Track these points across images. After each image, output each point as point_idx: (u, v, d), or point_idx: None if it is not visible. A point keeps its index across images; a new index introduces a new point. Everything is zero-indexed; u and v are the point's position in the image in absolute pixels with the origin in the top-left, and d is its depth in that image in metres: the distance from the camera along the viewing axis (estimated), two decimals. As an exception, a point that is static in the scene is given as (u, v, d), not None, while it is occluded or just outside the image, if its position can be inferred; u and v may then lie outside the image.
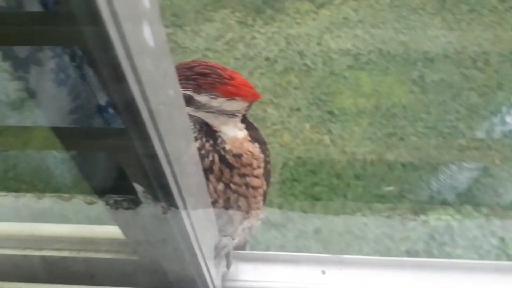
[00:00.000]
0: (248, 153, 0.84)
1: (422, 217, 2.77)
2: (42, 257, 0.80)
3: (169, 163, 0.51)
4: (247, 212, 0.90)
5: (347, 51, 3.97)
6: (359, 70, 3.80)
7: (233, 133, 0.82)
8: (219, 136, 0.81)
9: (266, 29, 4.23)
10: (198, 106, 0.77)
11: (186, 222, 0.61)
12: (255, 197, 0.89)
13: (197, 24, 4.46)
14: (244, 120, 0.87)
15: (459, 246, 2.58)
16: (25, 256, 0.81)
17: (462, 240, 2.60)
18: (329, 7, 4.50)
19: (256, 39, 4.14)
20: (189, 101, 0.76)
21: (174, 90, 0.51)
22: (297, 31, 4.19)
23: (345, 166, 3.11)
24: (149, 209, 0.60)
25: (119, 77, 0.38)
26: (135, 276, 0.79)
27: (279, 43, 4.09)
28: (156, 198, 0.57)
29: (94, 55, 0.36)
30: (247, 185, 0.86)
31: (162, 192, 0.55)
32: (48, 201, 1.95)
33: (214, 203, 0.86)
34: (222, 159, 0.81)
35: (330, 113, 3.44)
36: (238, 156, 0.82)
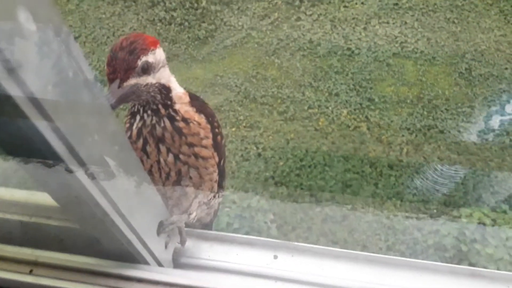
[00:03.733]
0: (195, 122, 0.87)
1: (454, 213, 2.71)
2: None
3: (63, 139, 0.53)
4: (200, 184, 0.93)
5: (393, 38, 3.87)
6: (404, 58, 3.71)
7: (179, 89, 0.87)
8: (172, 97, 0.85)
9: (312, 10, 4.18)
10: (154, 67, 0.81)
11: (100, 199, 0.64)
12: (206, 168, 0.91)
13: (244, 3, 4.47)
14: (190, 94, 0.91)
15: (490, 245, 2.53)
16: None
17: (494, 239, 2.54)
18: (380, -9, 4.38)
19: (301, 21, 4.11)
20: (149, 67, 0.80)
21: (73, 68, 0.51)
22: (344, 14, 4.12)
23: (379, 155, 3.08)
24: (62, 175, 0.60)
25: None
26: (79, 245, 0.81)
27: (324, 26, 4.05)
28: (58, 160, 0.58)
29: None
30: (196, 155, 0.88)
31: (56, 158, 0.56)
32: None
33: (167, 177, 0.89)
34: (173, 122, 0.85)
35: (370, 100, 3.39)
36: (186, 121, 0.86)
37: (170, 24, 4.34)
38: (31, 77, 0.45)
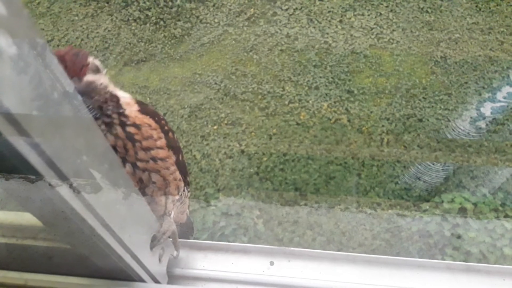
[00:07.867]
0: (146, 125, 0.84)
1: (436, 199, 2.77)
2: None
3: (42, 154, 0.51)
4: (166, 186, 0.90)
5: (369, 29, 3.91)
6: (381, 49, 3.75)
7: (125, 95, 0.86)
8: (121, 104, 0.83)
9: (288, 5, 4.19)
10: (100, 70, 0.81)
11: (86, 214, 0.62)
12: (167, 168, 0.89)
13: (219, -1, 4.45)
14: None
15: (472, 228, 2.58)
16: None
17: (475, 223, 2.60)
18: (353, -16, 4.42)
19: (278, 15, 4.11)
20: (98, 68, 0.80)
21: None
22: (319, 8, 4.13)
23: (361, 145, 3.12)
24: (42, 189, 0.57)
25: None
26: (69, 265, 0.79)
27: (300, 20, 4.05)
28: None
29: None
30: (154, 159, 0.86)
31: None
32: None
33: None
34: (124, 128, 0.82)
35: (349, 92, 3.42)
36: (137, 126, 0.84)
37: (145, 23, 4.29)
38: (7, 93, 0.43)
